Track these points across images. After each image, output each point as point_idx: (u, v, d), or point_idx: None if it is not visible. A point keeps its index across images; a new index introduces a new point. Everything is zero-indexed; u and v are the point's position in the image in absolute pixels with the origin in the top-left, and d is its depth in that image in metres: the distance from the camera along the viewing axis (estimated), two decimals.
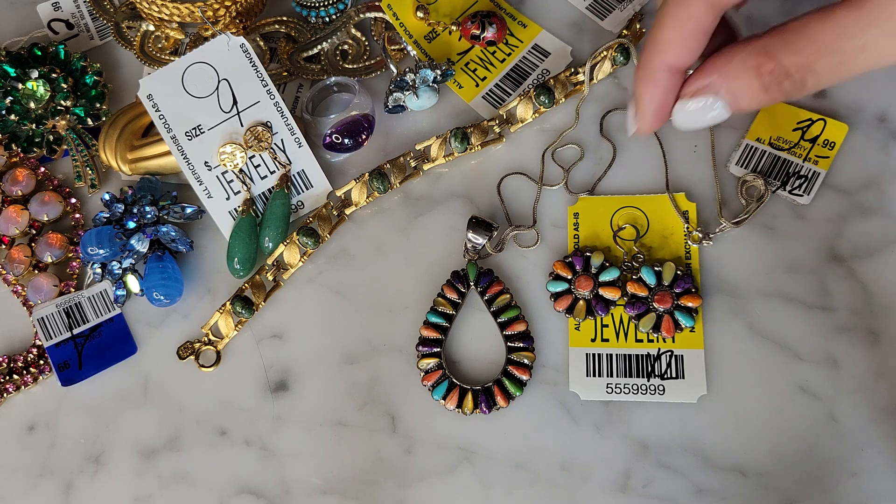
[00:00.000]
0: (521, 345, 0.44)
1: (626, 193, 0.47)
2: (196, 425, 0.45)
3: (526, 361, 0.44)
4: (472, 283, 0.45)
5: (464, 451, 0.43)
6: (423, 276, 0.46)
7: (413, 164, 0.49)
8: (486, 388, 0.44)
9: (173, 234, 0.47)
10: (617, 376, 0.44)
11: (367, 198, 0.48)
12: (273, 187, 0.48)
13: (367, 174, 0.48)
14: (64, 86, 0.50)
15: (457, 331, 0.46)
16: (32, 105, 0.50)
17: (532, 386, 0.44)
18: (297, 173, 0.48)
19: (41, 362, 0.47)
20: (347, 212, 0.48)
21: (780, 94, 0.35)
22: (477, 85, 0.50)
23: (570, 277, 0.45)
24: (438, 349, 0.45)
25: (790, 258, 0.45)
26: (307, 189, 0.48)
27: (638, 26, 0.50)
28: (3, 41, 0.54)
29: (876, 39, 0.33)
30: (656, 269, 0.44)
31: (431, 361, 0.44)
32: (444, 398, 0.44)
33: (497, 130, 0.49)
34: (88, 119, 0.51)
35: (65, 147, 0.51)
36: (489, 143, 0.48)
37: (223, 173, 0.48)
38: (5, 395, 0.47)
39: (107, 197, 0.47)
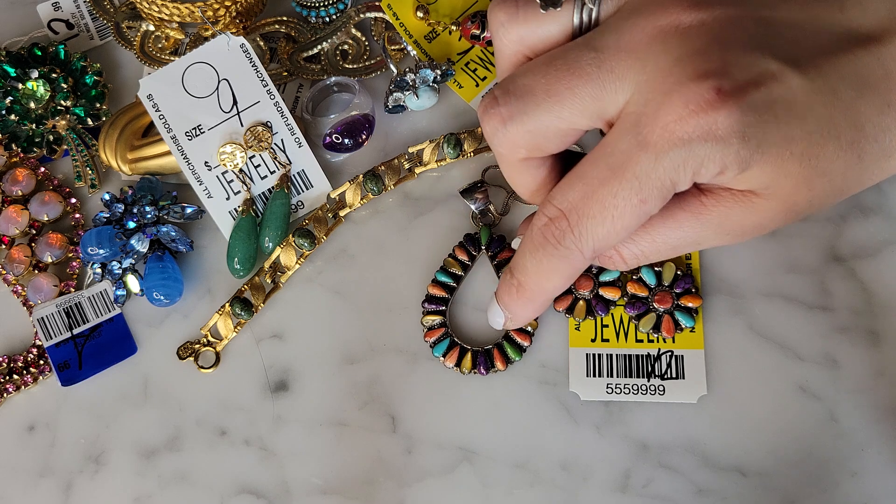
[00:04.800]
0: None
1: None
2: (196, 425, 0.45)
3: (528, 328, 0.44)
4: (483, 247, 0.46)
5: (464, 451, 0.43)
6: (423, 276, 0.46)
7: (407, 167, 0.49)
8: (487, 351, 0.44)
9: (173, 234, 0.47)
10: (617, 376, 0.44)
11: (362, 199, 0.48)
12: (273, 187, 0.48)
13: (361, 176, 0.48)
14: (64, 86, 0.50)
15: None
16: (32, 105, 0.50)
17: (532, 386, 0.44)
18: (297, 173, 0.48)
19: (41, 362, 0.47)
20: (342, 213, 0.48)
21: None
22: (477, 85, 0.50)
23: None
24: (444, 307, 0.45)
25: (790, 258, 0.45)
26: (307, 189, 0.48)
27: None
28: (3, 41, 0.54)
29: (709, 238, 0.37)
30: (656, 269, 0.44)
31: (436, 319, 0.45)
32: (443, 356, 0.44)
33: None
34: (88, 119, 0.51)
35: (65, 147, 0.51)
36: (482, 150, 0.48)
37: (223, 173, 0.48)
38: (5, 395, 0.47)
39: (107, 197, 0.47)
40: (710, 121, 0.32)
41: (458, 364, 0.44)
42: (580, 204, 0.35)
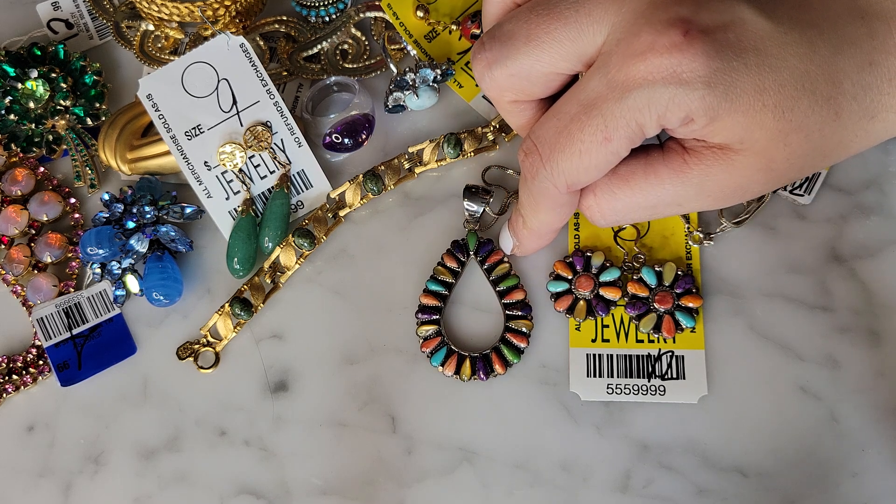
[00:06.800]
0: (520, 313, 0.45)
1: None
2: (196, 426, 0.45)
3: (524, 329, 0.44)
4: (471, 253, 0.46)
5: (464, 451, 0.43)
6: (423, 277, 0.46)
7: (407, 167, 0.48)
8: (484, 355, 0.44)
9: (173, 234, 0.47)
10: (617, 377, 0.44)
11: (362, 199, 0.48)
12: (273, 187, 0.48)
13: (361, 176, 0.48)
14: (63, 85, 0.50)
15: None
16: (32, 105, 0.50)
17: (533, 387, 0.44)
18: (297, 173, 0.48)
19: (40, 362, 0.47)
20: (342, 213, 0.48)
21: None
22: (477, 84, 0.50)
23: (570, 277, 0.45)
24: (437, 316, 0.45)
25: (791, 258, 0.45)
26: (307, 189, 0.48)
27: None
28: (3, 41, 0.54)
29: (690, 198, 0.37)
30: (657, 269, 0.44)
31: (430, 328, 0.45)
32: (442, 364, 0.44)
33: (490, 138, 0.49)
34: (88, 119, 0.51)
35: (64, 147, 0.51)
36: (482, 150, 0.48)
37: (223, 173, 0.48)
38: (5, 395, 0.46)
39: (106, 197, 0.47)
40: (675, 62, 0.33)
41: (458, 371, 0.44)
42: (551, 138, 0.36)
